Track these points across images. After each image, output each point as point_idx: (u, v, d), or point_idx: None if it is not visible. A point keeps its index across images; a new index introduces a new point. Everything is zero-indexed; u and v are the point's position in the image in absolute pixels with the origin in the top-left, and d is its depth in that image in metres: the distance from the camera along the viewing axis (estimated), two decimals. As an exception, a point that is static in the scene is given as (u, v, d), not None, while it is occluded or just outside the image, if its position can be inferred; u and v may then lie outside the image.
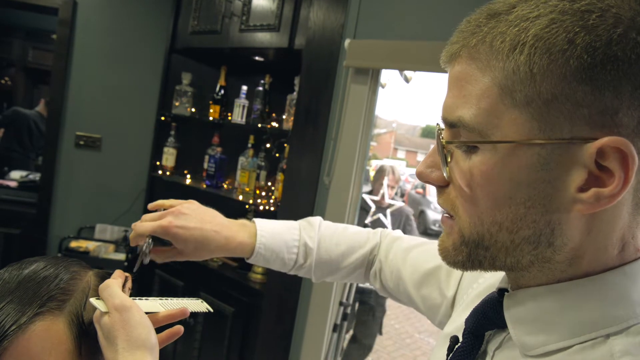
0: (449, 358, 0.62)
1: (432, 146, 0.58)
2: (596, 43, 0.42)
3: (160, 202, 0.95)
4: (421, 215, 11.23)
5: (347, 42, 2.09)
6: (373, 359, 4.57)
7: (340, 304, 2.19)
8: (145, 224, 0.89)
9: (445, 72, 0.56)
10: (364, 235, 1.08)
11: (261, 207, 2.58)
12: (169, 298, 0.79)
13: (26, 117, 4.80)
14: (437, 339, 0.67)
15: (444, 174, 0.54)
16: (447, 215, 0.56)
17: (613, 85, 0.42)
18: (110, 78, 3.26)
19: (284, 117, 2.61)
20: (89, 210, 3.32)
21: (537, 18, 0.45)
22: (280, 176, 2.55)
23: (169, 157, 3.11)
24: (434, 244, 0.99)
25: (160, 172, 3.12)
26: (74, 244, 3.09)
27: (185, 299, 0.81)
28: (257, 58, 2.79)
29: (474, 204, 0.51)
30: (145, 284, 3.00)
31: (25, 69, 6.12)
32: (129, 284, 0.76)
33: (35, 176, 3.70)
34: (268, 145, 2.82)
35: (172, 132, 3.11)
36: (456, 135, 0.53)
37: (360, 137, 2.14)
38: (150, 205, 0.95)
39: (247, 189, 2.71)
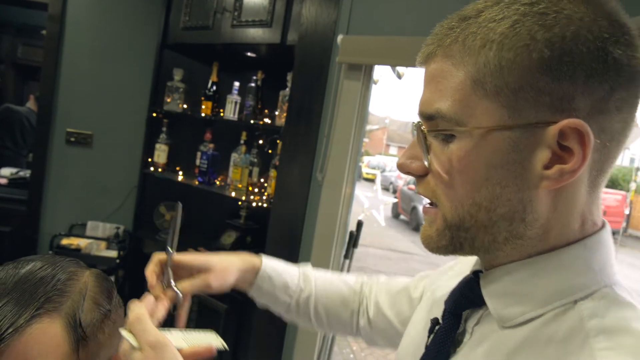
0: (430, 339, 0.67)
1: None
2: (554, 39, 0.49)
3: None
4: (413, 211, 11.26)
5: (339, 38, 2.08)
6: (366, 354, 4.58)
7: (334, 300, 2.18)
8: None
9: None
10: (350, 279, 1.13)
11: (254, 204, 2.57)
12: (188, 330, 0.77)
13: (18, 113, 4.75)
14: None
15: (425, 163, 0.59)
16: (428, 204, 0.62)
17: (569, 75, 0.49)
18: (101, 74, 3.23)
19: (276, 113, 2.60)
20: (80, 207, 3.29)
21: (502, 20, 0.52)
22: (273, 173, 2.54)
23: (160, 153, 3.09)
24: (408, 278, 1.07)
25: (152, 168, 3.10)
26: (65, 241, 3.06)
27: (202, 331, 0.78)
28: (249, 54, 2.77)
29: (454, 188, 0.57)
30: (136, 282, 2.98)
31: (15, 66, 6.05)
32: (160, 314, 0.74)
33: (26, 173, 3.67)
34: (261, 142, 2.81)
35: (164, 129, 3.09)
36: (434, 127, 0.58)
37: (353, 134, 2.13)
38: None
39: (240, 186, 2.70)
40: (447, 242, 0.59)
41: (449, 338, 0.63)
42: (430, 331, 0.67)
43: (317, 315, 1.04)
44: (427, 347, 0.67)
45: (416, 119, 0.61)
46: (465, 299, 0.64)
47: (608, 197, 11.61)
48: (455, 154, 0.55)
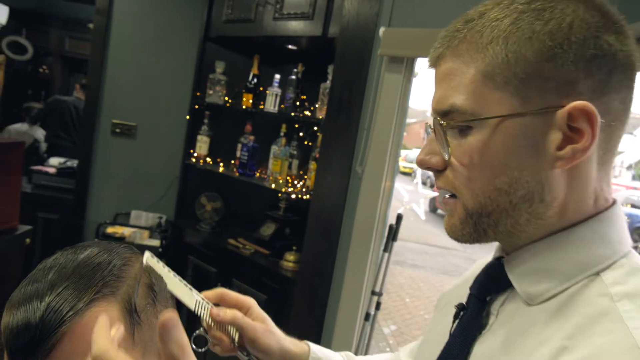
0: (455, 325, 0.69)
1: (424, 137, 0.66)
2: (553, 30, 0.54)
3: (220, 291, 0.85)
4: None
5: (381, 30, 2.07)
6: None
7: (373, 293, 2.18)
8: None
9: None
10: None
11: (293, 196, 2.59)
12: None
13: (66, 103, 4.89)
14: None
15: (446, 157, 0.62)
16: (447, 196, 0.65)
17: (570, 61, 0.54)
18: (146, 66, 3.31)
19: (316, 105, 2.60)
20: (125, 196, 3.38)
21: (504, 18, 0.57)
22: (312, 165, 2.55)
23: (202, 145, 3.14)
24: None
25: (193, 159, 3.16)
26: (110, 229, 3.15)
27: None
28: (290, 47, 2.78)
29: (474, 177, 0.60)
30: (178, 271, 3.04)
31: (63, 58, 6.24)
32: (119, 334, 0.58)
33: (73, 163, 3.78)
34: (301, 134, 2.82)
35: (206, 121, 3.14)
36: (449, 123, 0.61)
37: (393, 127, 2.12)
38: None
39: (280, 178, 2.72)
40: (471, 229, 0.62)
41: (476, 322, 0.65)
42: (456, 317, 0.69)
43: None
44: (451, 334, 0.68)
45: (432, 118, 0.64)
46: (492, 283, 0.66)
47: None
48: (473, 144, 0.59)
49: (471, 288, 0.69)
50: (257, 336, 0.81)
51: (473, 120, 0.58)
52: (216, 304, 0.82)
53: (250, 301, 0.87)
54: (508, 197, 0.59)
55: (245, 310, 0.84)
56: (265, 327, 0.83)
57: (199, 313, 0.76)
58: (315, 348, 0.95)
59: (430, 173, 0.77)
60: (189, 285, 0.76)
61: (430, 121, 0.65)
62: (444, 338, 0.69)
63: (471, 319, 0.66)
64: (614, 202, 0.62)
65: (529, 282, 0.60)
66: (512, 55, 0.56)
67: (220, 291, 0.85)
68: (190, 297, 0.75)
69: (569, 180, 0.58)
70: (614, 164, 0.63)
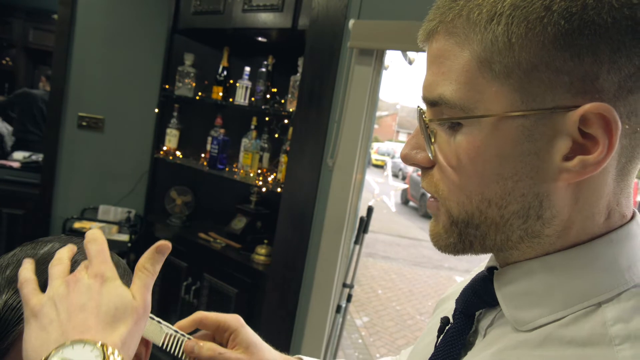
0: (439, 339, 0.61)
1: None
2: (572, 8, 0.42)
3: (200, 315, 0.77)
4: (422, 198, 11.24)
5: (351, 22, 2.07)
6: (375, 340, 4.62)
7: (344, 285, 2.19)
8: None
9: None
10: None
11: (264, 189, 2.58)
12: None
13: (35, 97, 4.78)
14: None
15: (429, 154, 0.53)
16: (432, 198, 0.56)
17: (592, 50, 0.42)
18: (112, 59, 3.24)
19: (287, 98, 2.59)
20: (92, 191, 3.32)
21: None
22: (283, 158, 2.54)
23: (171, 138, 3.10)
24: None
25: (163, 153, 3.12)
26: (77, 224, 3.10)
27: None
28: (260, 39, 2.76)
29: (461, 183, 0.51)
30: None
31: (26, 50, 6.08)
32: None
33: (38, 157, 3.70)
34: (271, 127, 2.81)
35: (175, 114, 3.10)
36: (438, 114, 0.52)
37: (364, 119, 2.13)
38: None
39: (251, 171, 2.70)
40: (456, 240, 0.54)
41: (460, 339, 0.58)
42: (440, 331, 0.62)
43: None
44: (436, 347, 0.61)
45: (420, 104, 0.56)
46: (478, 299, 0.58)
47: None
48: (462, 145, 0.49)
49: (457, 301, 0.61)
50: None
51: (463, 118, 0.49)
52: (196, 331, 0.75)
53: (234, 322, 0.76)
54: (499, 211, 0.50)
55: (229, 334, 0.76)
56: (248, 358, 0.75)
57: (171, 349, 0.69)
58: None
59: (403, 165, 0.68)
60: (156, 318, 0.69)
61: (422, 107, 0.55)
62: (429, 349, 0.63)
63: (456, 335, 0.59)
64: (633, 216, 0.52)
65: (517, 306, 0.52)
66: (516, 39, 0.44)
67: (197, 316, 0.76)
68: (158, 331, 0.68)
69: (575, 195, 0.48)
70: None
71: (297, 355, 0.88)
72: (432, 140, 0.53)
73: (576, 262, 0.49)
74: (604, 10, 0.42)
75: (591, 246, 0.49)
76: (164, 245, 0.60)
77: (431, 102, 0.51)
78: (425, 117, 0.52)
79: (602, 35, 0.42)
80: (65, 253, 0.60)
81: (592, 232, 0.49)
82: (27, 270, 0.59)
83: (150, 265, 0.60)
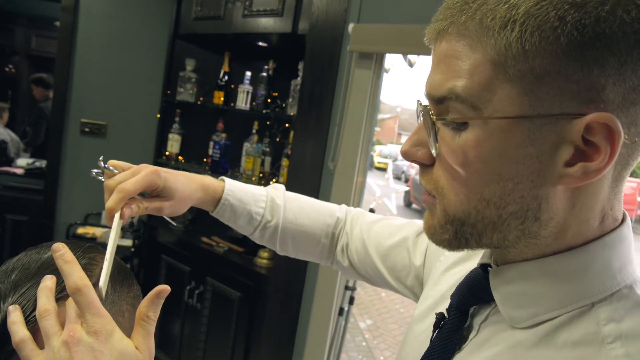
0: (435, 334, 0.63)
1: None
2: (585, 20, 0.43)
3: (113, 162, 0.86)
4: (425, 200, 11.18)
5: (350, 26, 2.08)
6: (378, 342, 4.62)
7: (346, 288, 2.20)
8: (135, 180, 0.79)
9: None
10: (329, 207, 1.07)
11: (266, 193, 2.58)
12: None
13: (47, 111, 4.81)
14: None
15: (433, 152, 0.53)
16: (428, 194, 0.57)
17: (600, 63, 0.43)
18: (114, 65, 3.27)
19: (288, 102, 2.61)
20: (95, 196, 3.33)
21: None
22: (285, 162, 2.55)
23: (173, 143, 3.11)
24: (395, 219, 1.02)
25: (165, 158, 3.13)
26: (81, 230, 3.11)
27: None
28: (260, 43, 2.78)
29: (461, 181, 0.52)
30: (151, 272, 3.02)
31: (29, 57, 6.11)
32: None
33: (41, 163, 3.72)
34: (272, 131, 2.82)
35: (177, 119, 3.11)
36: (443, 112, 0.52)
37: (364, 122, 2.14)
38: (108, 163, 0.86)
39: (253, 175, 2.71)
40: (451, 237, 0.55)
41: (455, 334, 0.60)
42: (436, 326, 0.63)
43: (284, 245, 1.02)
44: (431, 342, 0.64)
45: (422, 100, 0.56)
46: (473, 296, 0.60)
47: (622, 185, 11.45)
48: (467, 143, 0.49)
49: (452, 296, 0.63)
50: (166, 207, 0.84)
51: (473, 118, 0.49)
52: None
53: (167, 191, 0.85)
54: (497, 211, 0.51)
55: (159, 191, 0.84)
56: (171, 203, 0.85)
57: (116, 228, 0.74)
58: (228, 196, 0.93)
59: (405, 168, 0.70)
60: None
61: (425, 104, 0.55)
62: (425, 344, 0.65)
63: (451, 330, 0.61)
64: (624, 219, 0.54)
65: (513, 304, 0.54)
66: (530, 47, 0.45)
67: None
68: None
69: (572, 199, 0.50)
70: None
71: (221, 177, 0.96)
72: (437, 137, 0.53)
73: (573, 266, 0.51)
74: (615, 24, 0.42)
75: (587, 249, 0.51)
76: (164, 290, 0.61)
77: (438, 99, 0.51)
78: (432, 114, 0.52)
79: (612, 48, 0.43)
80: (48, 301, 0.59)
81: (587, 235, 0.51)
82: (21, 330, 0.58)
83: (152, 313, 0.60)
